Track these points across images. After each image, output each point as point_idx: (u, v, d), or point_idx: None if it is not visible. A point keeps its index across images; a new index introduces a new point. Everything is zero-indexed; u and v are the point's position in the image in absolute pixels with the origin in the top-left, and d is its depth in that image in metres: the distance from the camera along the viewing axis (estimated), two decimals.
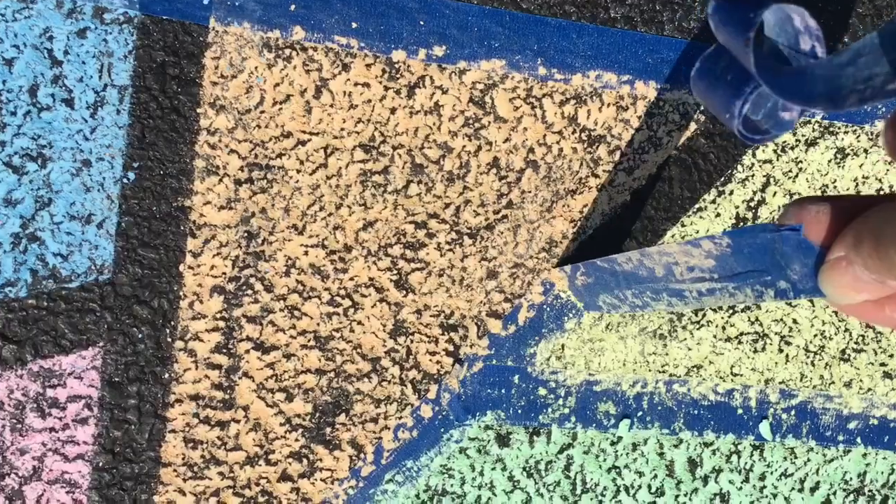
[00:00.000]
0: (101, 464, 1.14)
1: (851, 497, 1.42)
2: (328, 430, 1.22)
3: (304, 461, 1.21)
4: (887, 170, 1.37)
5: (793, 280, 0.63)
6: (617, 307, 1.07)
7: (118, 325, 1.13)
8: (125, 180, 1.12)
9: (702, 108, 1.27)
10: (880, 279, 0.49)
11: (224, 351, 1.17)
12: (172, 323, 1.15)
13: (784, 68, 0.72)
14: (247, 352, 1.18)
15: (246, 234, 1.16)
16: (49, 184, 1.09)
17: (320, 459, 1.22)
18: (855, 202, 0.58)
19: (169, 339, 1.15)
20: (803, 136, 1.33)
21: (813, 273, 0.58)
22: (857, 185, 1.35)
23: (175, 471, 1.17)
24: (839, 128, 1.34)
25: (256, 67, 1.14)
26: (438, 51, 1.20)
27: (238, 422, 1.18)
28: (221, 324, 1.16)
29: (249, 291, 1.17)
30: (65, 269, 1.11)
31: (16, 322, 1.09)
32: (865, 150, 1.35)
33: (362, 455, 1.24)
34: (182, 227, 1.14)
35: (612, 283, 1.03)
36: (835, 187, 1.35)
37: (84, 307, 1.12)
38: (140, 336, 1.14)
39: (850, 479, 1.42)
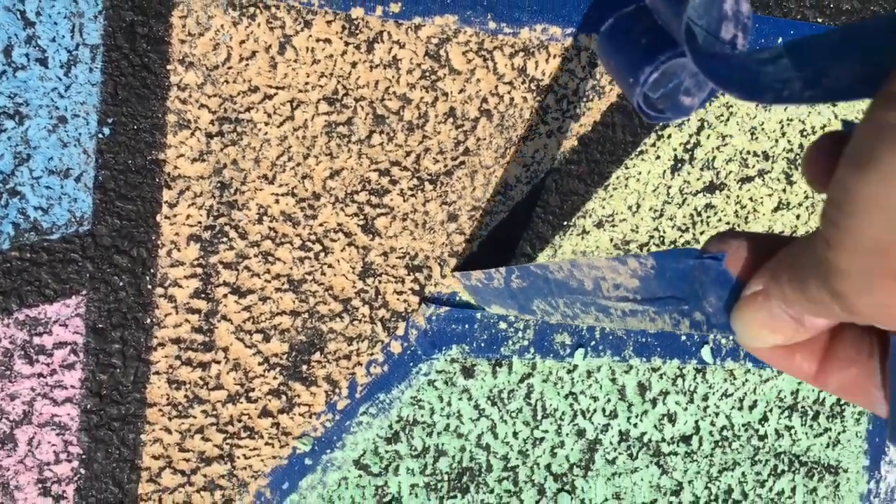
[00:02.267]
0: (88, 406, 1.15)
1: (786, 413, 1.50)
2: (304, 367, 1.24)
3: (283, 397, 1.24)
4: (808, 112, 1.43)
5: (707, 312, 0.56)
6: (550, 314, 1.00)
7: (100, 274, 1.14)
8: (100, 135, 1.12)
9: None
10: (798, 314, 0.45)
11: (202, 296, 1.19)
12: (152, 271, 1.16)
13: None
14: (224, 296, 1.19)
15: (219, 185, 1.17)
16: (27, 140, 1.09)
17: (298, 395, 1.24)
18: (775, 241, 0.53)
19: (149, 286, 1.16)
20: None
21: (727, 307, 0.53)
22: (782, 126, 1.41)
23: (160, 410, 1.19)
24: None
25: (222, 25, 1.15)
26: (394, 7, 1.22)
27: (218, 363, 1.20)
28: (199, 270, 1.18)
29: (224, 239, 1.18)
30: (45, 221, 1.11)
31: (0, 274, 1.10)
32: None
33: (337, 390, 1.26)
34: (157, 180, 1.15)
35: (545, 290, 0.96)
36: (762, 129, 1.41)
37: (66, 258, 1.12)
38: (121, 284, 1.15)
39: (785, 396, 1.49)
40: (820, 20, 1.37)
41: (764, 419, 1.45)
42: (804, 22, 1.37)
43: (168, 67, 1.11)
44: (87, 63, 1.08)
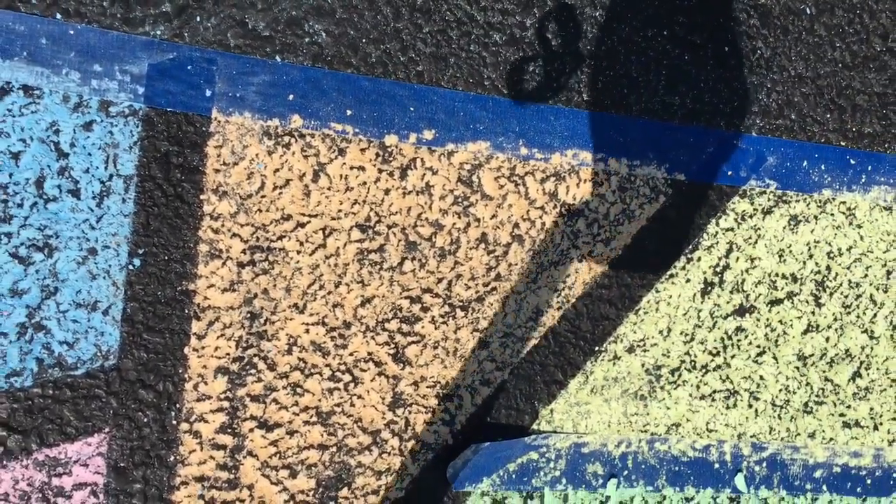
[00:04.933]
0: None
1: None
2: None
3: None
4: (835, 234, 1.44)
5: None
6: None
7: (123, 410, 1.11)
8: (130, 267, 1.10)
9: (669, 181, 1.33)
10: None
11: (229, 431, 1.15)
12: (177, 405, 1.13)
13: None
14: (251, 430, 1.16)
15: (249, 315, 1.16)
16: (55, 273, 1.07)
17: None
18: None
19: (174, 422, 1.13)
20: (760, 205, 1.40)
21: None
22: (809, 248, 1.42)
23: None
24: (791, 196, 1.41)
25: (257, 154, 1.15)
26: (428, 134, 1.23)
27: (243, 501, 1.16)
28: (226, 404, 1.15)
29: (253, 371, 1.16)
30: (70, 356, 1.08)
31: (21, 412, 1.06)
32: (815, 217, 1.43)
33: None
34: (186, 311, 1.13)
35: None
36: (790, 251, 1.41)
37: (89, 394, 1.09)
38: (145, 420, 1.11)
39: None
40: (843, 143, 1.40)
41: None
42: (828, 145, 1.39)
43: (202, 197, 1.11)
44: (120, 194, 1.07)
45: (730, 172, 1.35)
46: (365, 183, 1.17)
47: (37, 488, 1.04)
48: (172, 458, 1.10)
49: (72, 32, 1.04)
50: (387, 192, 1.18)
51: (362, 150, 1.17)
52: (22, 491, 1.03)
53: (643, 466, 1.32)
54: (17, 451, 1.03)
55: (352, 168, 1.16)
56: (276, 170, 1.13)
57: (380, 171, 1.17)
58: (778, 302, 1.39)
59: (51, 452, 1.05)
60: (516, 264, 1.25)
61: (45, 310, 1.04)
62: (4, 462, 1.03)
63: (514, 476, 1.25)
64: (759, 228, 1.37)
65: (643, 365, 1.32)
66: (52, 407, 1.05)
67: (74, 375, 1.06)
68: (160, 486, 1.10)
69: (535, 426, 1.28)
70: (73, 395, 1.06)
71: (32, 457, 1.04)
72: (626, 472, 1.31)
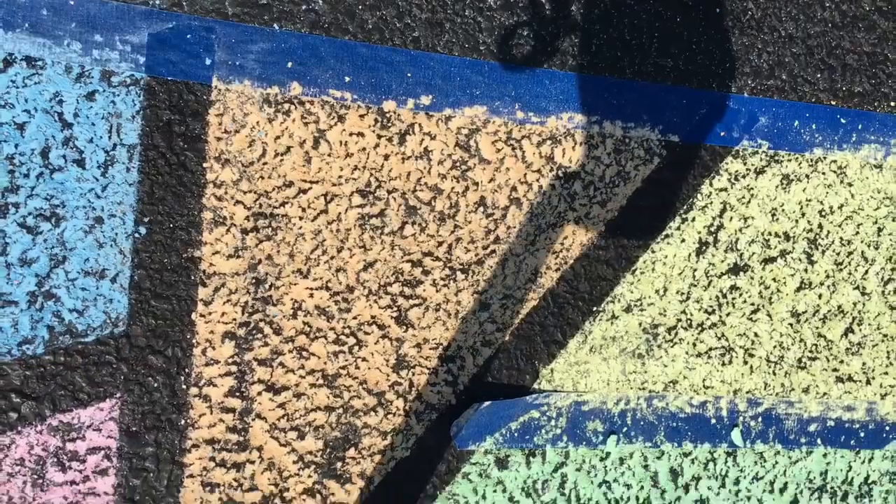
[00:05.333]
0: None
1: (816, 495, 1.50)
2: (339, 464, 1.23)
3: (318, 496, 1.22)
4: (827, 192, 1.47)
5: None
6: None
7: (134, 376, 1.13)
8: (137, 235, 1.12)
9: (663, 143, 1.35)
10: None
11: (237, 394, 1.18)
12: (187, 370, 1.15)
13: None
14: (259, 394, 1.19)
15: (254, 281, 1.18)
16: (63, 242, 1.09)
17: (333, 494, 1.23)
18: None
19: (184, 386, 1.15)
20: (752, 165, 1.42)
21: None
22: (801, 207, 1.44)
23: None
24: (783, 156, 1.44)
25: (258, 122, 1.17)
26: (425, 100, 1.24)
27: (253, 462, 1.19)
28: (234, 368, 1.17)
29: (259, 335, 1.18)
30: (80, 323, 1.10)
31: (34, 378, 1.08)
32: (807, 176, 1.45)
33: (371, 486, 1.25)
34: (193, 277, 1.15)
35: None
36: (783, 210, 1.44)
37: (100, 360, 1.11)
38: (155, 385, 1.14)
39: (814, 478, 1.49)
40: (834, 103, 1.42)
41: (794, 501, 1.45)
42: (819, 105, 1.41)
43: (204, 165, 1.12)
44: (124, 163, 1.09)
45: (722, 133, 1.37)
46: (364, 149, 1.19)
47: (51, 453, 1.06)
48: (183, 421, 1.13)
49: (72, 3, 1.05)
50: (386, 157, 1.20)
51: (361, 116, 1.18)
52: (37, 456, 1.06)
53: (642, 423, 1.35)
54: (31, 418, 1.06)
55: (351, 134, 1.18)
56: (277, 137, 1.15)
57: (379, 136, 1.19)
58: (771, 260, 1.41)
59: (64, 418, 1.07)
60: (515, 227, 1.27)
61: (54, 278, 1.06)
62: (19, 428, 1.05)
63: (516, 434, 1.28)
64: (751, 188, 1.40)
65: (640, 324, 1.35)
66: (64, 373, 1.07)
67: (85, 342, 1.08)
68: (172, 449, 1.12)
69: (535, 385, 1.31)
70: (85, 362, 1.08)
71: (46, 422, 1.06)
72: (625, 429, 1.34)
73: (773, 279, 1.42)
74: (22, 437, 1.05)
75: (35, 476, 1.06)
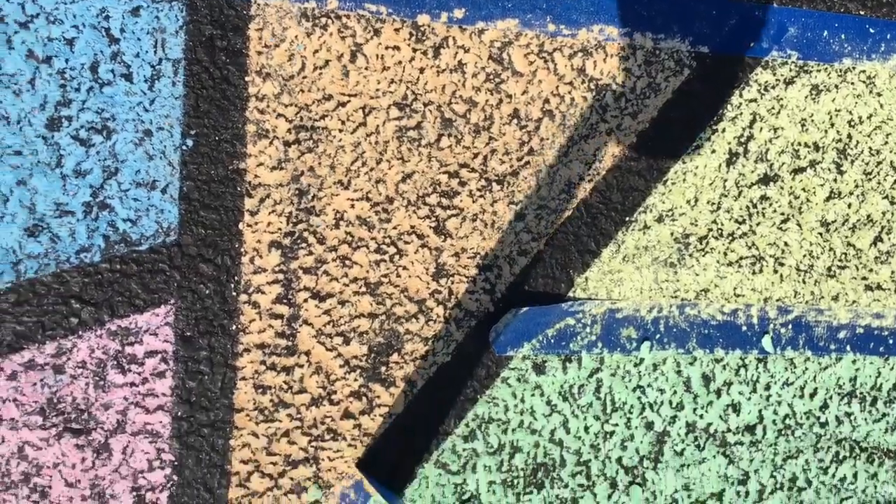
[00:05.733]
0: (179, 413, 1.18)
1: (845, 400, 1.53)
2: (383, 369, 1.27)
3: (364, 399, 1.27)
4: (856, 102, 1.48)
5: None
6: None
7: (187, 283, 1.17)
8: (184, 147, 1.16)
9: (693, 54, 1.37)
10: None
11: (284, 301, 1.22)
12: (236, 278, 1.19)
13: None
14: (305, 301, 1.23)
15: (297, 192, 1.21)
16: (115, 154, 1.12)
17: (378, 396, 1.28)
18: None
19: (234, 293, 1.19)
20: (782, 75, 1.43)
21: None
22: (831, 117, 1.46)
23: (248, 415, 1.22)
24: (812, 66, 1.45)
25: (296, 36, 1.19)
26: (458, 13, 1.26)
27: (301, 366, 1.23)
28: (280, 276, 1.21)
29: (304, 244, 1.22)
30: (134, 233, 1.14)
31: (92, 286, 1.13)
32: (836, 86, 1.46)
33: (414, 390, 1.30)
34: (239, 189, 1.19)
35: None
36: (812, 120, 1.45)
37: (154, 268, 1.16)
38: (207, 292, 1.18)
39: (843, 383, 1.52)
40: (862, 13, 1.42)
41: (824, 406, 1.49)
42: (848, 14, 1.42)
43: (247, 79, 1.15)
44: (169, 77, 1.12)
45: (752, 44, 1.38)
46: (400, 62, 1.21)
47: (111, 356, 1.11)
48: (234, 327, 1.17)
49: None
50: (421, 70, 1.22)
51: (396, 30, 1.20)
52: (98, 359, 1.11)
53: (674, 330, 1.38)
54: (91, 323, 1.11)
55: (387, 48, 1.20)
56: (316, 51, 1.17)
57: (414, 50, 1.22)
58: (801, 170, 1.43)
59: (122, 323, 1.12)
60: (548, 139, 1.30)
61: (107, 189, 1.10)
62: (80, 332, 1.10)
63: (552, 340, 1.32)
64: (781, 98, 1.41)
65: (672, 233, 1.38)
66: (120, 280, 1.12)
67: (139, 251, 1.12)
68: (224, 354, 1.17)
69: (570, 293, 1.35)
70: (139, 270, 1.12)
71: (105, 327, 1.11)
72: (658, 336, 1.38)
73: (803, 189, 1.44)
74: (83, 342, 1.10)
75: (97, 378, 1.11)
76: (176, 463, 1.15)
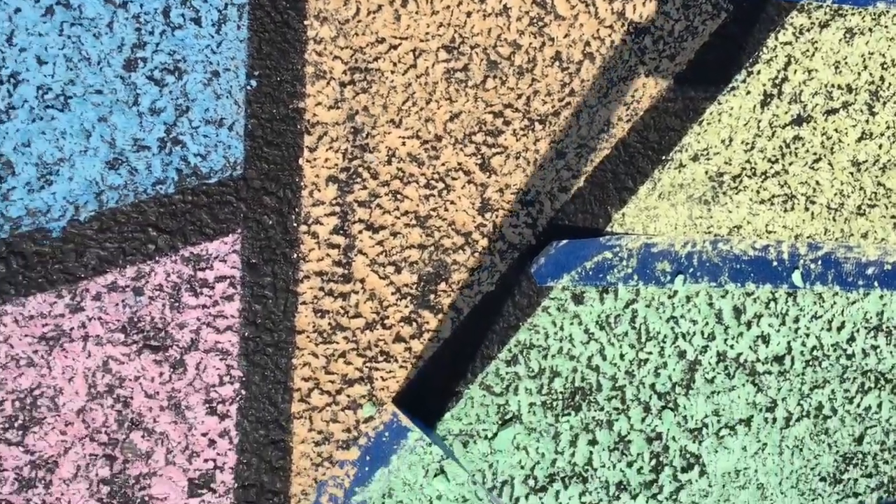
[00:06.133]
0: (246, 334, 1.28)
1: (872, 334, 1.59)
2: (431, 296, 1.36)
3: (414, 324, 1.36)
4: (889, 45, 1.51)
5: None
6: None
7: (252, 214, 1.26)
8: (248, 88, 1.24)
9: None
10: None
11: (341, 232, 1.31)
12: (296, 210, 1.28)
13: None
14: (360, 232, 1.32)
15: (352, 130, 1.29)
16: (186, 93, 1.21)
17: (427, 322, 1.37)
18: None
19: (294, 224, 1.28)
20: (817, 19, 1.47)
21: None
22: (864, 59, 1.49)
23: (308, 337, 1.32)
24: (847, 10, 1.48)
25: None
26: None
27: (357, 293, 1.32)
28: (337, 209, 1.30)
29: (358, 179, 1.30)
30: (204, 167, 1.23)
31: (167, 215, 1.22)
32: (870, 29, 1.50)
33: (460, 317, 1.39)
34: (298, 126, 1.27)
35: None
36: (845, 63, 1.49)
37: (222, 199, 1.25)
38: (270, 223, 1.27)
39: (871, 318, 1.59)
40: None
41: (851, 339, 1.55)
42: None
43: (305, 23, 1.23)
44: (235, 21, 1.20)
45: None
46: (448, 6, 1.28)
47: (185, 280, 1.21)
48: (295, 255, 1.27)
49: None
50: (468, 14, 1.29)
51: None
52: (173, 282, 1.21)
53: (707, 264, 1.45)
54: (167, 249, 1.20)
55: None
56: None
57: None
58: (833, 111, 1.48)
59: (194, 250, 1.21)
60: (588, 80, 1.36)
61: (179, 126, 1.19)
62: (157, 258, 1.20)
63: (590, 273, 1.39)
64: (815, 41, 1.45)
65: (707, 172, 1.44)
66: (192, 211, 1.21)
67: (208, 184, 1.21)
68: (286, 280, 1.27)
69: (608, 228, 1.42)
70: (209, 201, 1.21)
71: (179, 253, 1.21)
72: (691, 270, 1.44)
73: (835, 130, 1.48)
74: (160, 266, 1.20)
75: (172, 300, 1.21)
76: (244, 379, 1.25)
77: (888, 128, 1.49)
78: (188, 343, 1.21)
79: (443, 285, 1.32)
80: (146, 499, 1.21)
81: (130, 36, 1.14)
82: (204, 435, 1.23)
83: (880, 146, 1.49)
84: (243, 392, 1.24)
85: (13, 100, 1.11)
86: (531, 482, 1.40)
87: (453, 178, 1.30)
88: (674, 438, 1.47)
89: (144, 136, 1.16)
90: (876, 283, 1.52)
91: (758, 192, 1.44)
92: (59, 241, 1.15)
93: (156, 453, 1.21)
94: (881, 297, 1.53)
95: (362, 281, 1.28)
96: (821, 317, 1.51)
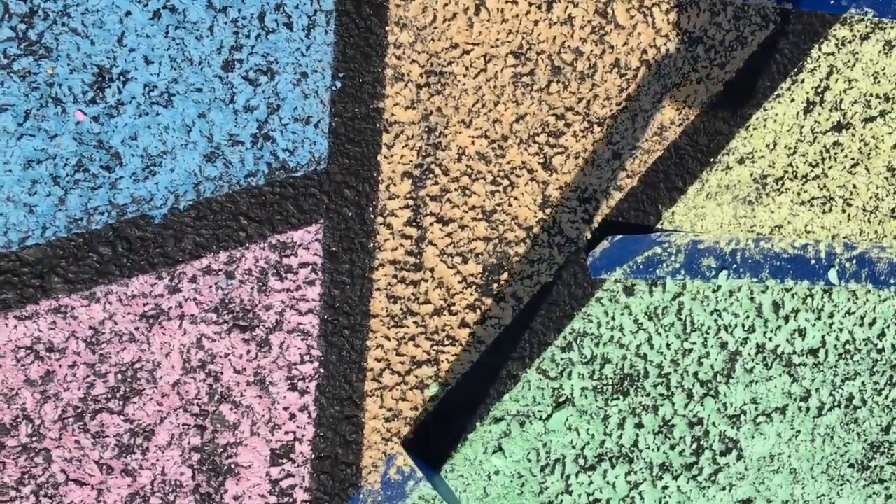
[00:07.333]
0: (326, 317, 1.37)
1: None
2: (495, 286, 1.45)
3: (478, 311, 1.45)
4: None
5: None
6: None
7: (333, 206, 1.35)
8: (333, 88, 1.32)
9: (778, 10, 1.49)
10: None
11: (413, 224, 1.39)
12: (374, 202, 1.37)
13: None
14: (431, 224, 1.40)
15: (426, 129, 1.38)
16: (277, 93, 1.30)
17: (490, 309, 1.45)
18: None
19: (371, 216, 1.37)
20: (858, 31, 1.54)
21: None
22: None
23: (381, 321, 1.40)
24: (887, 24, 1.56)
25: None
26: None
27: (426, 281, 1.41)
28: (411, 202, 1.38)
29: (431, 175, 1.39)
30: (291, 161, 1.32)
31: (257, 205, 1.31)
32: None
33: (520, 305, 1.47)
34: (377, 125, 1.36)
35: None
36: (884, 74, 1.57)
37: (307, 192, 1.33)
38: (350, 214, 1.36)
39: None
40: None
41: (882, 335, 1.63)
42: None
43: (386, 28, 1.31)
44: (323, 26, 1.28)
45: (832, 1, 1.50)
46: (518, 15, 1.36)
47: (272, 266, 1.30)
48: (371, 245, 1.35)
49: None
50: (536, 23, 1.37)
51: None
52: (261, 268, 1.29)
53: (749, 261, 1.53)
54: (256, 237, 1.29)
55: (507, 2, 1.35)
56: (445, 4, 1.32)
57: (530, 4, 1.36)
58: (872, 119, 1.55)
59: (280, 238, 1.30)
60: (644, 86, 1.44)
61: (270, 123, 1.27)
62: (247, 245, 1.28)
63: (641, 267, 1.47)
64: (856, 53, 1.53)
65: (751, 174, 1.52)
66: (279, 202, 1.29)
67: (295, 177, 1.30)
68: (363, 267, 1.35)
69: (658, 226, 1.50)
70: (295, 193, 1.30)
71: (267, 241, 1.29)
72: (734, 266, 1.53)
73: (873, 136, 1.56)
74: (249, 252, 1.29)
75: (260, 284, 1.30)
76: (322, 358, 1.34)
77: None
78: (273, 324, 1.29)
79: (505, 275, 1.40)
80: (232, 466, 1.30)
81: (228, 39, 1.22)
82: (285, 409, 1.31)
83: None
84: (321, 370, 1.33)
85: (122, 96, 1.20)
86: (581, 461, 1.49)
87: (517, 176, 1.38)
88: (714, 424, 1.55)
89: (239, 131, 1.24)
90: None
91: (798, 193, 1.52)
92: (160, 228, 1.24)
93: (242, 425, 1.30)
94: None
95: (432, 270, 1.37)
96: (854, 313, 1.59)
